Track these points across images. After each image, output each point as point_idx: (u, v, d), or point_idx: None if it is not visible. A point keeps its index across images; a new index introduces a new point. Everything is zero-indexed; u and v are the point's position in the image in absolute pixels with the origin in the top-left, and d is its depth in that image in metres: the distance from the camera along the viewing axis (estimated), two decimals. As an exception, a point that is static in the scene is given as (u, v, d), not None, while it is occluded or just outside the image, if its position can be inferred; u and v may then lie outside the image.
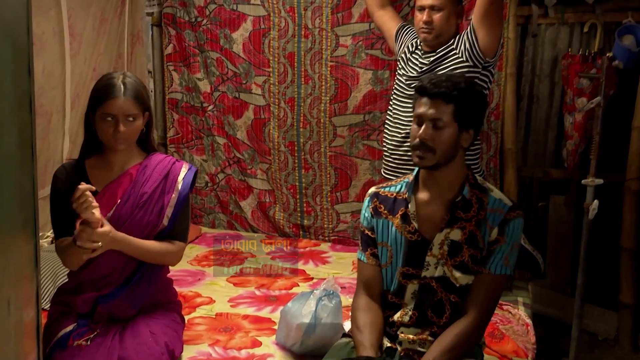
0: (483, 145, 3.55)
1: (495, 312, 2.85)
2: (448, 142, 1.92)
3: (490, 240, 1.94)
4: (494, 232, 1.94)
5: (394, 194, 2.07)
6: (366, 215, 2.11)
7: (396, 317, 2.06)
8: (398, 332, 2.05)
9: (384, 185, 2.14)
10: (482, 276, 1.96)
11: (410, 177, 2.08)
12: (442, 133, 1.90)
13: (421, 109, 1.93)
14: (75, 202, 1.96)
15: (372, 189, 2.15)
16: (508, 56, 3.57)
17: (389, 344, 2.06)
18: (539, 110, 3.88)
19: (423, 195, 2.02)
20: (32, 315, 1.20)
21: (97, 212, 2.01)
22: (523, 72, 3.84)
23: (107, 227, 2.08)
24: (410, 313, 2.03)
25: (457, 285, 1.98)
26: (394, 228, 2.04)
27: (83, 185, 1.97)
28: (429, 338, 2.01)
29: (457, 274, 1.97)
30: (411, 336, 2.03)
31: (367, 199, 2.13)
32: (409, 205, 2.01)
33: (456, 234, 1.97)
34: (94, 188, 1.99)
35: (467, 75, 2.75)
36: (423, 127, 1.92)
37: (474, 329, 1.95)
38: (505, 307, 2.93)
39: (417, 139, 1.93)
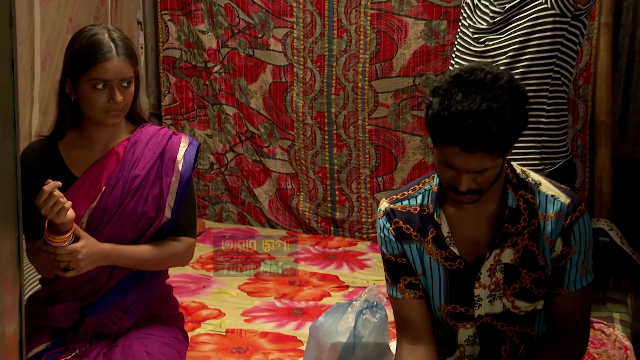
0: (569, 117, 3.53)
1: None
2: (495, 177, 1.84)
3: (554, 256, 1.93)
4: (557, 244, 1.92)
5: (418, 209, 2.00)
6: (389, 239, 2.03)
7: None
8: None
9: (397, 197, 2.04)
10: (562, 298, 1.96)
11: (431, 184, 2.00)
12: (487, 175, 1.81)
13: (455, 162, 1.78)
14: (44, 208, 1.98)
15: (384, 203, 2.05)
16: (602, 1, 3.53)
17: None
18: (642, 71, 3.83)
19: (454, 209, 1.96)
20: (15, 328, 1.22)
21: (71, 213, 2.05)
22: (622, 22, 3.77)
23: (79, 244, 2.10)
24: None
25: (522, 314, 1.99)
26: (427, 255, 2.00)
27: (47, 185, 1.99)
28: None
29: (521, 304, 1.97)
30: None
31: (381, 219, 2.05)
32: (441, 226, 1.96)
33: (508, 255, 1.93)
34: (59, 184, 2.01)
35: (552, 28, 2.73)
36: (462, 179, 1.79)
37: (580, 348, 2.02)
38: (597, 326, 2.91)
39: (454, 187, 1.84)
